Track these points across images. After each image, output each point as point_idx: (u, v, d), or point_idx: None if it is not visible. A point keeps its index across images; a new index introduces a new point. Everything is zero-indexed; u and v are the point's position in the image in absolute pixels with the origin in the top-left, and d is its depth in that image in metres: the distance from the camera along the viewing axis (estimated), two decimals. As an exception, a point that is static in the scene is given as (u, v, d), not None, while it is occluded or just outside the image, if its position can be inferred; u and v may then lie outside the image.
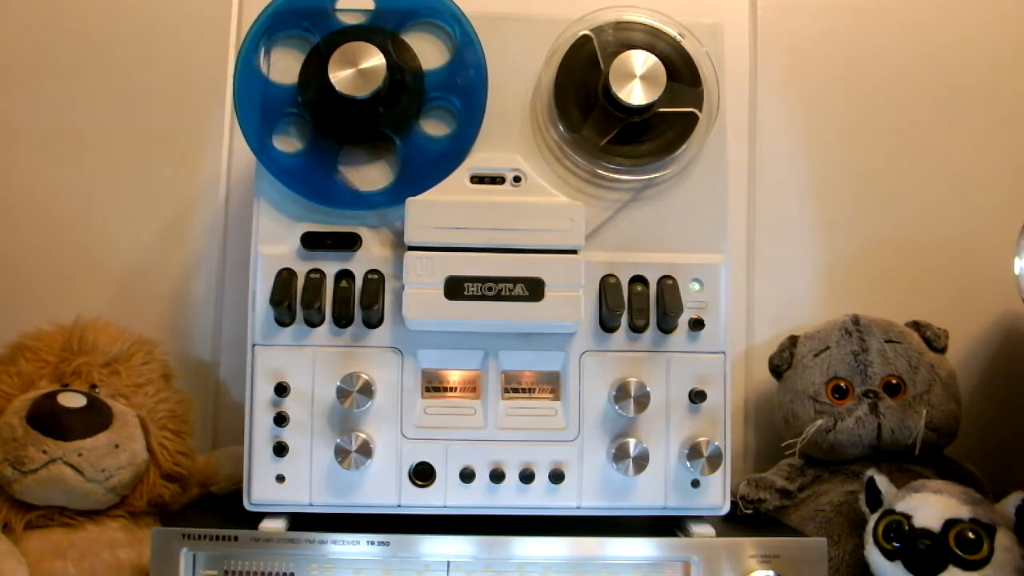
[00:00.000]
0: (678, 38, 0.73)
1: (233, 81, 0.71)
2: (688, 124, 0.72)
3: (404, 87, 0.70)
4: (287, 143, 0.71)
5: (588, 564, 0.68)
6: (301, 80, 0.71)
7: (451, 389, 0.72)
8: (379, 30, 0.71)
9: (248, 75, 0.71)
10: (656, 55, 0.70)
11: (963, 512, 0.70)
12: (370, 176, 0.71)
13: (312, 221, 0.71)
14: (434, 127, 0.72)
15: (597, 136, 0.72)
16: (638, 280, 0.72)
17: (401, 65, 0.70)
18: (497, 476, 0.70)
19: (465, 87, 0.71)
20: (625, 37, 0.72)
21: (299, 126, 0.71)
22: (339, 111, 0.70)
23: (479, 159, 0.71)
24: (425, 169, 0.70)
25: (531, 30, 0.73)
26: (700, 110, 0.72)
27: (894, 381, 0.85)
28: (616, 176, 0.72)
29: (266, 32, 0.71)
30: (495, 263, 0.68)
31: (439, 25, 0.72)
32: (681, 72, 0.72)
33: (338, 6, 0.72)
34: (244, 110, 0.71)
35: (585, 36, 0.72)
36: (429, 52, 0.72)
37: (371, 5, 0.72)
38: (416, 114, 0.71)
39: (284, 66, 0.71)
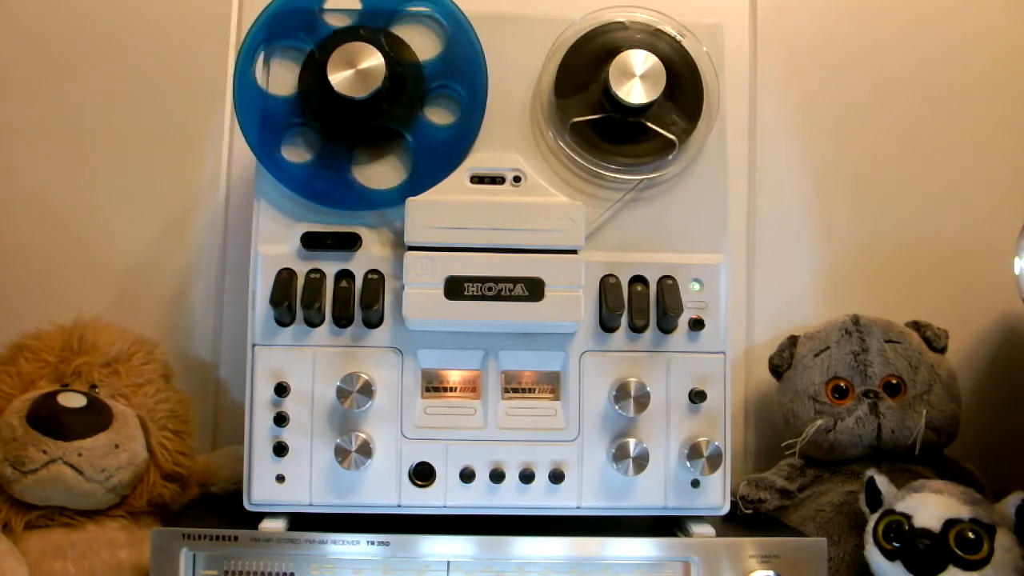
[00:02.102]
0: (678, 38, 0.73)
1: (233, 95, 0.71)
2: (687, 124, 0.72)
3: (404, 82, 0.70)
4: (296, 154, 0.71)
5: (588, 564, 0.68)
6: (301, 87, 0.71)
7: (451, 389, 0.72)
8: (370, 28, 0.71)
9: (247, 88, 0.71)
10: (656, 55, 0.70)
11: (963, 512, 0.70)
12: (381, 175, 0.72)
13: (312, 221, 0.71)
14: (439, 116, 0.72)
15: (597, 136, 0.72)
16: (638, 280, 0.72)
17: (399, 60, 0.70)
18: (497, 476, 0.70)
19: (464, 81, 0.71)
20: (625, 37, 0.72)
21: (306, 136, 0.72)
22: (342, 113, 0.70)
23: (479, 159, 0.71)
24: (434, 164, 0.71)
25: (531, 30, 0.73)
26: (697, 118, 0.72)
27: (894, 381, 0.85)
28: (616, 176, 0.72)
29: (263, 41, 0.71)
30: (495, 263, 0.68)
31: (432, 17, 0.72)
32: (681, 72, 0.72)
33: (326, 6, 0.72)
34: (247, 123, 0.71)
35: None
36: (423, 46, 0.72)
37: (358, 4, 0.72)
38: (420, 105, 0.71)
39: (282, 78, 0.72)
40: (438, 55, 0.72)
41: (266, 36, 0.71)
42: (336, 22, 0.71)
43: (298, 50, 0.71)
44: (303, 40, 0.71)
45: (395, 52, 0.70)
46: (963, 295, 0.98)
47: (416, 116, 0.71)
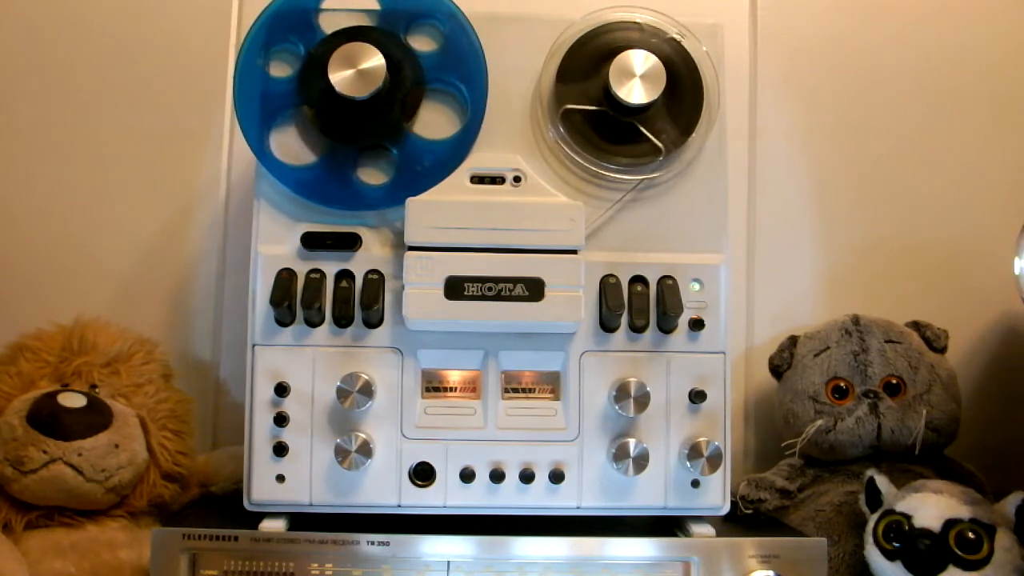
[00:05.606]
0: (678, 38, 0.73)
1: (234, 86, 0.71)
2: (688, 124, 0.72)
3: (403, 76, 0.71)
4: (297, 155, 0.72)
5: (588, 564, 0.68)
6: (302, 84, 0.71)
7: (451, 389, 0.72)
8: (381, 30, 0.71)
9: (249, 74, 0.71)
10: (656, 55, 0.70)
11: (963, 512, 0.70)
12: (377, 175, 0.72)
13: (312, 221, 0.71)
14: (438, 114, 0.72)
15: (597, 136, 0.72)
16: (638, 280, 0.72)
17: (397, 58, 0.70)
18: (497, 476, 0.70)
19: (465, 82, 0.71)
20: (625, 37, 0.72)
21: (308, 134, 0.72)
22: (344, 113, 0.70)
23: (479, 159, 0.71)
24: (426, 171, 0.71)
25: (531, 30, 0.73)
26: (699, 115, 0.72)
27: (894, 381, 0.85)
28: (616, 176, 0.72)
29: (263, 46, 0.71)
30: (495, 263, 0.68)
31: (432, 19, 0.72)
32: (681, 72, 0.72)
33: (325, 5, 0.72)
34: (245, 112, 0.71)
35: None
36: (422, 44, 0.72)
37: (376, 6, 0.72)
38: (415, 109, 0.71)
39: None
40: (436, 50, 0.72)
41: (265, 40, 0.71)
42: (333, 24, 0.71)
43: (294, 53, 0.72)
44: (294, 42, 0.71)
45: (394, 49, 0.70)
46: (963, 295, 0.98)
47: (404, 129, 0.71)
